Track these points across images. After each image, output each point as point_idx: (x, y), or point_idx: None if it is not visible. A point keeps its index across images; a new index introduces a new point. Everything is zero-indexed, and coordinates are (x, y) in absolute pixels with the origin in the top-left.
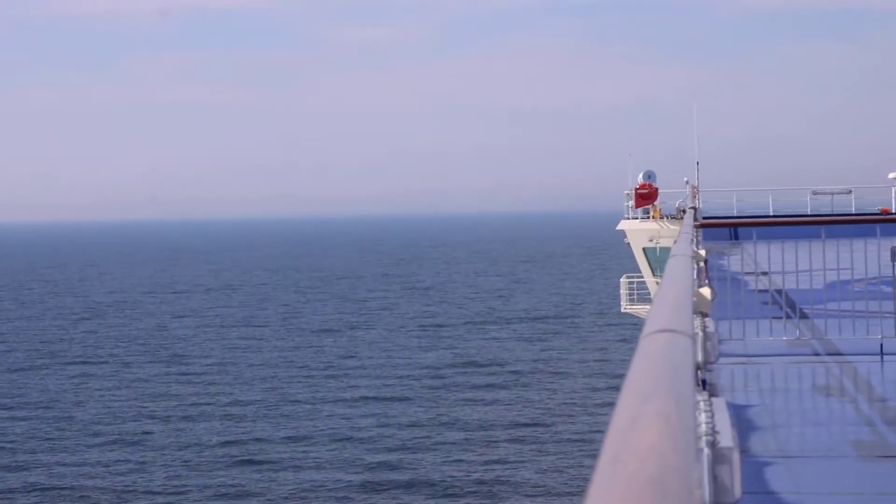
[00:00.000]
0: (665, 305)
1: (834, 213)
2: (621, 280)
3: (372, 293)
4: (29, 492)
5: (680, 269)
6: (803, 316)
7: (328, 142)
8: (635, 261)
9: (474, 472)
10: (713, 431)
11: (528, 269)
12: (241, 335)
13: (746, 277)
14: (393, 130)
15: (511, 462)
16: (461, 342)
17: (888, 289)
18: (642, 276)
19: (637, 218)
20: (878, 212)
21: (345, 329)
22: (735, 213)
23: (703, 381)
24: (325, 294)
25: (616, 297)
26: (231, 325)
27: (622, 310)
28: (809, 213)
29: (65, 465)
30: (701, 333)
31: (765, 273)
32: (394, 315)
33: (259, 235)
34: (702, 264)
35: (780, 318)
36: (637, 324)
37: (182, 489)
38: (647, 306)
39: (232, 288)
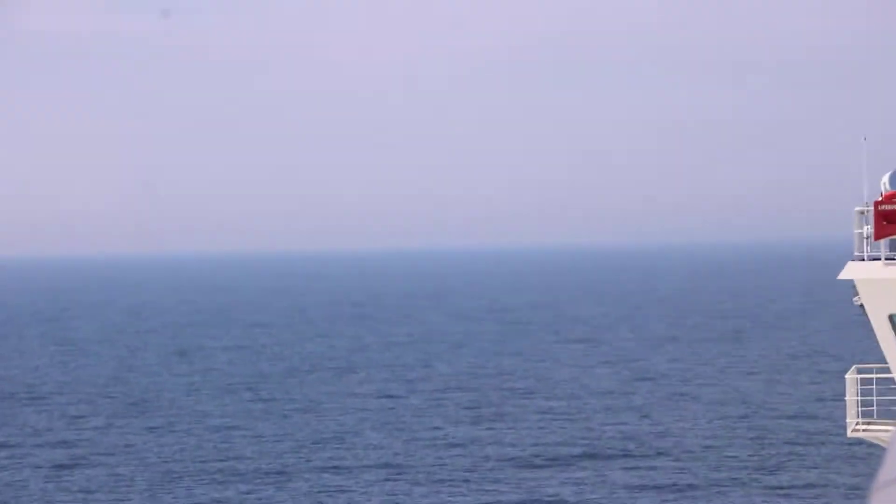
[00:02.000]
0: None
1: None
2: (847, 377)
3: None
4: None
5: None
6: None
7: None
8: (874, 338)
9: None
10: None
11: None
12: None
13: None
14: None
15: None
16: None
17: None
18: (887, 368)
19: (879, 258)
20: None
21: None
22: None
23: None
24: None
25: (836, 408)
26: None
27: (849, 432)
28: None
29: None
30: None
31: None
32: None
33: None
34: None
35: None
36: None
37: None
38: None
39: None
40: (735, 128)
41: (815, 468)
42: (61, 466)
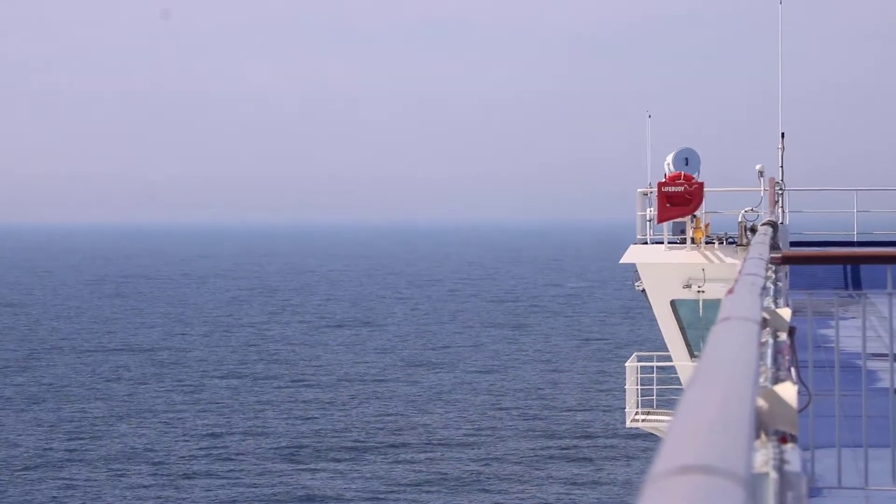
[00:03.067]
0: (703, 418)
1: None
2: (628, 364)
3: None
4: None
5: (736, 345)
6: None
7: None
8: (656, 324)
9: None
10: None
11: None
12: None
13: (876, 364)
14: None
15: None
16: None
17: None
18: (669, 356)
19: (662, 242)
20: None
21: None
22: (855, 237)
23: None
24: None
25: (615, 397)
26: None
27: (628, 423)
28: None
29: None
30: (773, 475)
31: None
32: None
33: None
34: (782, 336)
35: None
36: (652, 448)
37: None
38: (671, 417)
39: None
40: (513, 105)
41: (592, 459)
42: None
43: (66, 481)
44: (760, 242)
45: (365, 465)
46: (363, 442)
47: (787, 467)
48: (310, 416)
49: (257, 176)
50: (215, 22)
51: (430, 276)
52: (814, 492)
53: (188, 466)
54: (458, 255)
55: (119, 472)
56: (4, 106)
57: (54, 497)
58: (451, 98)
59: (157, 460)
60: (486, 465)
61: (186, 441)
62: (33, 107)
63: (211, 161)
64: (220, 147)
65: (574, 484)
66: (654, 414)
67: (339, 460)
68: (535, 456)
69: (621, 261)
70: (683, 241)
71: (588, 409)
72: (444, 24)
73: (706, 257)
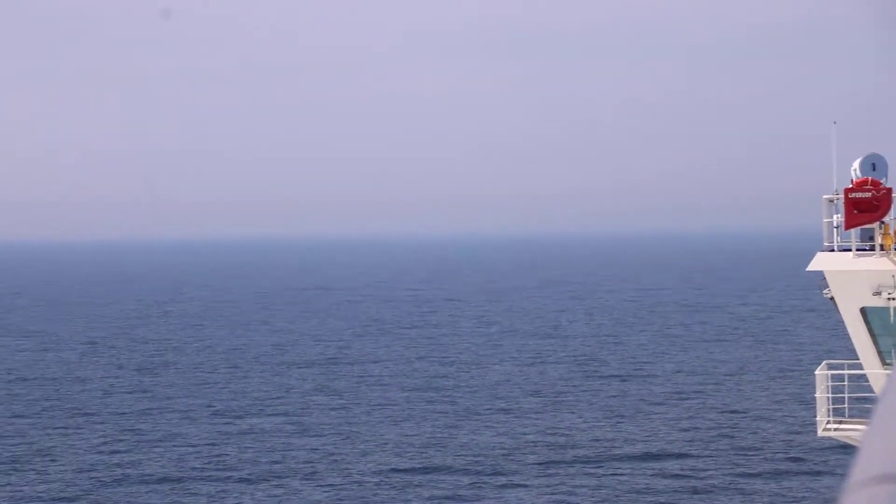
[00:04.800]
0: None
1: None
2: (817, 373)
3: None
4: None
5: None
6: None
7: None
8: (846, 333)
9: None
10: None
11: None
12: None
13: None
14: None
15: None
16: None
17: None
18: (860, 364)
19: (851, 249)
20: None
21: None
22: None
23: None
24: None
25: (807, 407)
26: None
27: (820, 431)
28: None
29: None
30: None
31: None
32: None
33: None
34: None
35: None
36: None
37: None
38: (866, 426)
39: None
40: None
41: (785, 471)
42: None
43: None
44: None
45: (546, 478)
46: (544, 456)
47: None
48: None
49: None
50: None
51: (642, 283)
52: None
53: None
54: (663, 265)
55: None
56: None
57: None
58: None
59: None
60: (681, 479)
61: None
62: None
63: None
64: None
65: (763, 491)
66: (846, 423)
67: (529, 469)
68: (731, 467)
69: (808, 268)
70: (872, 248)
71: (776, 420)
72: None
73: None
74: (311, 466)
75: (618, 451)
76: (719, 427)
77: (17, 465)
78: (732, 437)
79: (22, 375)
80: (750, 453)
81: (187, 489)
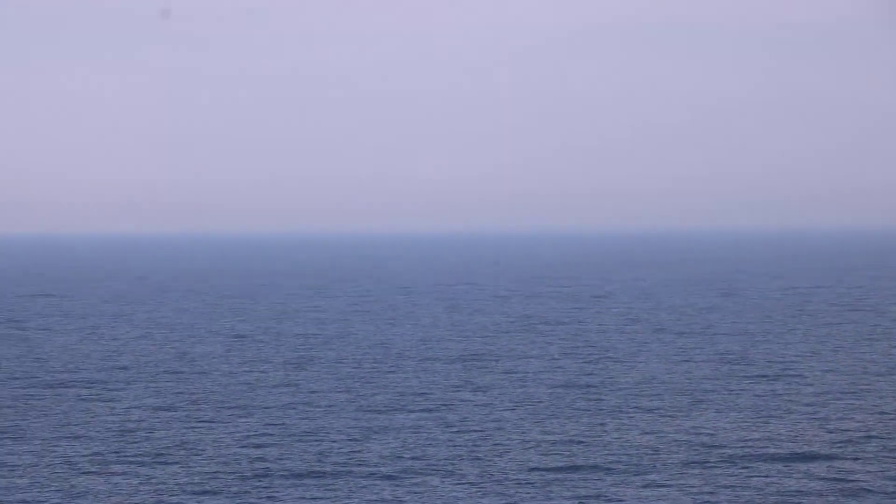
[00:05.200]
0: None
1: None
2: None
3: None
4: None
5: None
6: None
7: None
8: None
9: None
10: None
11: None
12: None
13: None
14: None
15: None
16: None
17: None
18: None
19: None
20: None
21: None
22: None
23: None
24: None
25: None
26: None
27: None
28: None
29: None
30: None
31: None
32: None
33: None
34: None
35: None
36: None
37: None
38: None
39: None
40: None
41: None
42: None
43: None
44: None
45: (691, 478)
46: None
47: None
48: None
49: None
50: None
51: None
52: None
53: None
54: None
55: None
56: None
57: None
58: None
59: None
60: (829, 481)
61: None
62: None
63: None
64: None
65: None
66: None
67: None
68: (881, 470)
69: None
70: None
71: None
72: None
73: None
74: (452, 464)
75: (764, 452)
76: (869, 429)
77: (161, 458)
78: (884, 438)
79: (170, 368)
80: None
81: (327, 485)
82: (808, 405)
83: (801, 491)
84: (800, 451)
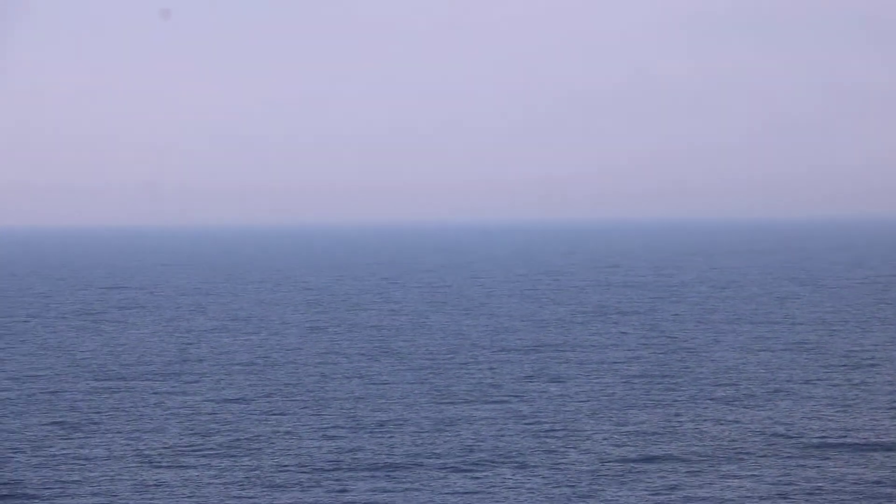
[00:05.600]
0: None
1: None
2: None
3: None
4: None
5: None
6: None
7: None
8: None
9: None
10: None
11: None
12: None
13: None
14: None
15: None
16: None
17: None
18: None
19: None
20: None
21: None
22: None
23: None
24: None
25: None
26: None
27: None
28: None
29: None
30: None
31: None
32: None
33: None
34: None
35: None
36: None
37: None
38: None
39: None
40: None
41: None
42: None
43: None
44: None
45: (768, 469)
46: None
47: None
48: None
49: None
50: None
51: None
52: None
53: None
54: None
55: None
56: None
57: None
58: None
59: None
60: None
61: None
62: None
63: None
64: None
65: None
66: None
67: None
68: None
69: None
70: None
71: None
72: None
73: None
74: (524, 455)
75: (842, 442)
76: None
77: (231, 450)
78: None
79: (243, 360)
80: None
81: (398, 477)
82: (886, 395)
83: (880, 482)
84: (878, 441)
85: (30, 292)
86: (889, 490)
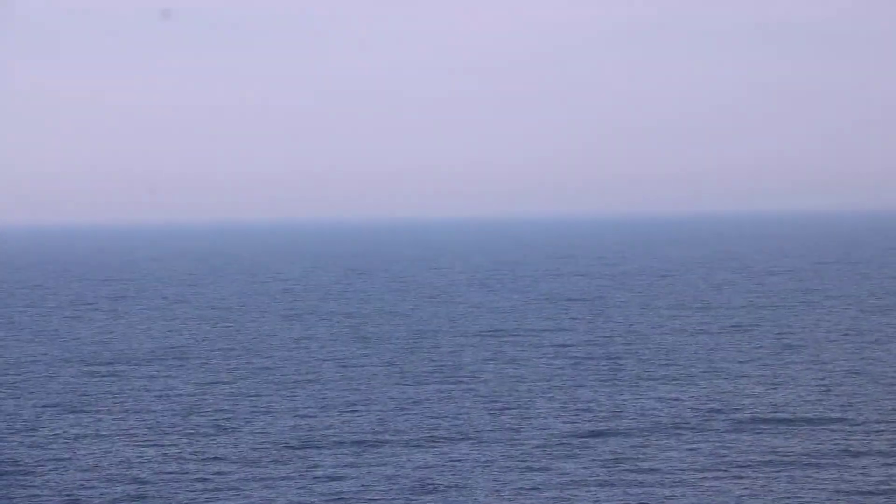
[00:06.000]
0: None
1: None
2: None
3: None
4: None
5: None
6: None
7: None
8: None
9: None
10: None
11: None
12: None
13: None
14: None
15: None
16: None
17: None
18: None
19: None
20: None
21: None
22: None
23: None
24: None
25: None
26: None
27: None
28: None
29: None
30: None
31: None
32: None
33: None
34: None
35: None
36: None
37: None
38: None
39: None
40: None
41: None
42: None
43: None
44: None
45: (705, 443)
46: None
47: None
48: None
49: None
50: None
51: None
52: None
53: None
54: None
55: None
56: None
57: None
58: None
59: None
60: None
61: None
62: None
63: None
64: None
65: None
66: None
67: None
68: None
69: None
70: None
71: None
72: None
73: None
74: (481, 432)
75: (773, 416)
76: (867, 395)
77: (211, 429)
78: (869, 402)
79: (223, 346)
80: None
81: (361, 452)
82: (812, 373)
83: (807, 454)
84: (804, 416)
85: (27, 284)
86: (816, 461)
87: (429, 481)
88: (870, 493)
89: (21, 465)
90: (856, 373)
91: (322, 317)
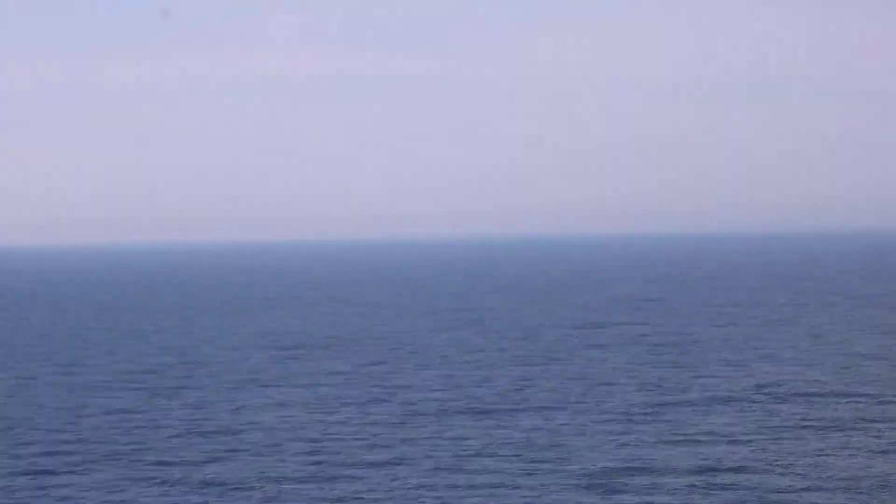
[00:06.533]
0: None
1: None
2: None
3: None
4: None
5: None
6: None
7: None
8: None
9: None
10: None
11: None
12: None
13: None
14: None
15: None
16: None
17: None
18: None
19: None
20: None
21: None
22: None
23: None
24: None
25: None
26: None
27: None
28: None
29: None
30: None
31: None
32: None
33: None
34: None
35: None
36: None
37: None
38: None
39: None
40: None
41: None
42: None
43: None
44: None
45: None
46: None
47: None
48: None
49: None
50: None
51: None
52: None
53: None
54: None
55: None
56: None
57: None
58: None
59: None
60: None
61: None
62: None
63: None
64: None
65: None
66: None
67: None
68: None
69: None
70: None
71: None
72: None
73: None
74: (572, 403)
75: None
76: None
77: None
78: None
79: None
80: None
81: (481, 418)
82: (836, 356)
83: (833, 421)
84: (831, 390)
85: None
86: (840, 426)
87: (534, 441)
88: (883, 451)
89: (223, 427)
90: (873, 357)
91: (445, 314)
